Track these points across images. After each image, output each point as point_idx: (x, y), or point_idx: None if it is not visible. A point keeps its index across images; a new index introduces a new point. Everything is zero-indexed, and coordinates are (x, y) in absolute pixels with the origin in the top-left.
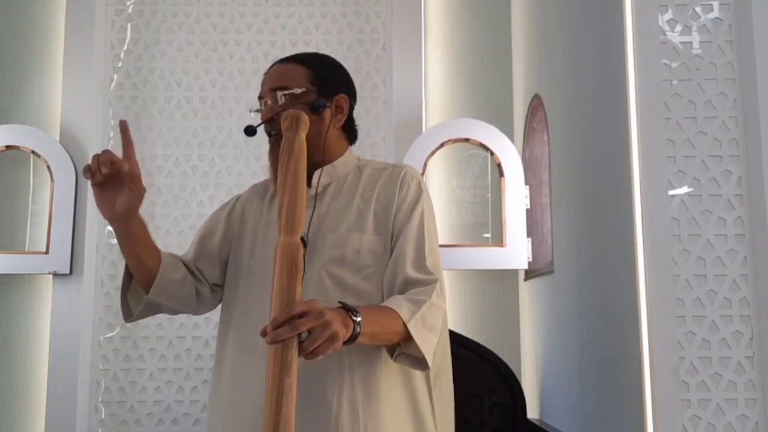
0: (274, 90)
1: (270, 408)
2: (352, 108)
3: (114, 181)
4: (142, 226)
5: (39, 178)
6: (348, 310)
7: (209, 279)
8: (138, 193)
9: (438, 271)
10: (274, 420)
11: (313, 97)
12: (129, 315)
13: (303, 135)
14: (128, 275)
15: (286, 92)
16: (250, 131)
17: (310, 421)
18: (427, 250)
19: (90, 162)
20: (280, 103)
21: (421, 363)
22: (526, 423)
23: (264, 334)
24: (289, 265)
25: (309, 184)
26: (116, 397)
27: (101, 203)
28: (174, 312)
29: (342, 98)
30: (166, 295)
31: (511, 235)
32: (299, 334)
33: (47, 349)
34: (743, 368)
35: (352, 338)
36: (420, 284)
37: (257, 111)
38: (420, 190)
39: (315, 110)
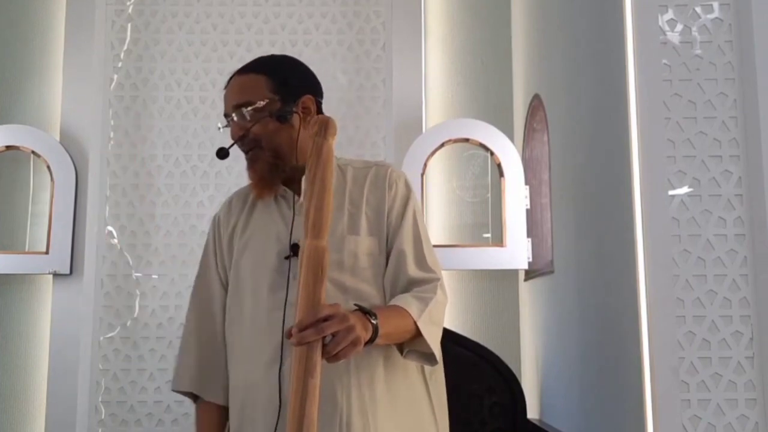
0: (238, 107)
1: (294, 408)
2: (319, 104)
3: None
4: None
5: (39, 178)
6: (365, 312)
7: None
8: None
9: (438, 268)
10: (298, 420)
11: (277, 105)
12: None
13: (331, 140)
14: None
15: (250, 107)
16: (222, 154)
17: (321, 423)
18: (425, 248)
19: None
20: (247, 119)
21: (429, 358)
22: (526, 423)
23: (289, 335)
24: (315, 269)
25: (295, 191)
26: (116, 397)
27: None
28: None
29: (307, 99)
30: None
31: (511, 235)
32: (323, 337)
33: (47, 349)
34: (743, 368)
35: (371, 340)
36: (423, 282)
37: (227, 127)
38: (408, 189)
39: (282, 118)
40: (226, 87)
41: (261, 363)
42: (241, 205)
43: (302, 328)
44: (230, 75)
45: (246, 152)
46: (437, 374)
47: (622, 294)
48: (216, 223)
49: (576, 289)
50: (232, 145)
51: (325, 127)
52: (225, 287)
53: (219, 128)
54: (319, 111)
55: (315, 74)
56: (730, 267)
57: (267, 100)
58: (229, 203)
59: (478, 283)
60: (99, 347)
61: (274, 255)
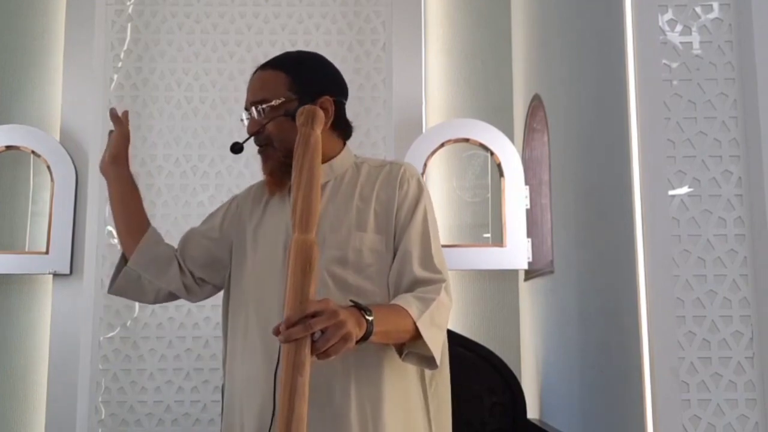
0: (255, 103)
1: (283, 407)
2: (341, 104)
3: None
4: (133, 185)
5: (39, 178)
6: (361, 309)
7: (193, 272)
8: (124, 132)
9: (444, 270)
10: (287, 419)
11: (293, 105)
12: (109, 286)
13: (318, 130)
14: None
15: (266, 105)
16: (236, 149)
17: (320, 421)
18: (433, 248)
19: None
20: (262, 116)
21: (429, 361)
22: (526, 423)
23: (277, 332)
24: (303, 264)
25: None
26: (116, 397)
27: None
28: (156, 295)
29: (326, 100)
30: (146, 268)
31: (511, 235)
32: (312, 334)
33: (47, 349)
34: (743, 368)
35: (365, 337)
36: (427, 283)
37: (248, 119)
38: (420, 188)
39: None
40: (249, 81)
41: (262, 358)
42: (260, 195)
43: (289, 325)
44: (254, 69)
45: (260, 147)
46: (439, 379)
47: (622, 294)
48: (233, 199)
49: (576, 289)
50: (246, 140)
51: (312, 117)
52: (220, 236)
53: (242, 121)
54: (340, 112)
55: (341, 75)
56: (730, 267)
57: (283, 99)
58: (250, 189)
59: (478, 283)
60: (99, 347)
61: (282, 247)
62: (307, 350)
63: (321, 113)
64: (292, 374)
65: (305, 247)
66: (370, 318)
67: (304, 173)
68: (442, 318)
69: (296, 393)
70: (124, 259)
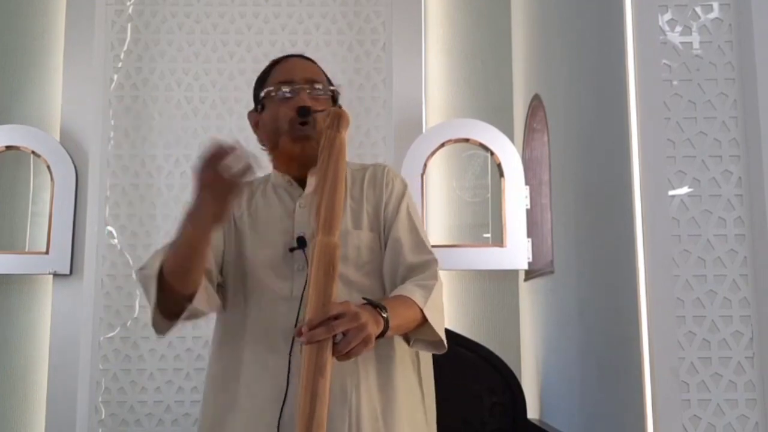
0: (318, 82)
1: (303, 409)
2: None
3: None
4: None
5: (39, 178)
6: (375, 306)
7: (217, 279)
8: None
9: (432, 251)
10: (307, 422)
11: (337, 98)
12: (167, 326)
13: (344, 134)
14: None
15: (333, 87)
16: (304, 112)
17: (331, 417)
18: (421, 234)
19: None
20: (326, 95)
21: (437, 345)
22: (526, 423)
23: (299, 334)
24: (326, 266)
25: (302, 185)
26: (116, 397)
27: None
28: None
29: (341, 107)
30: (207, 304)
31: (511, 235)
32: (334, 336)
33: (47, 349)
34: (743, 368)
35: (382, 334)
36: (421, 267)
37: (288, 95)
38: (404, 185)
39: None
40: (278, 61)
41: (268, 347)
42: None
43: (312, 327)
44: (277, 56)
45: (301, 125)
46: (427, 366)
47: (622, 294)
48: None
49: (576, 289)
50: (321, 110)
51: (338, 119)
52: (223, 242)
53: (287, 94)
54: None
55: None
56: (730, 267)
57: (335, 89)
58: None
59: (478, 284)
60: (99, 347)
61: (281, 247)
62: (329, 352)
63: (347, 116)
64: (314, 376)
65: (329, 249)
66: (385, 315)
67: (329, 176)
68: (441, 299)
69: (317, 395)
70: (163, 286)
